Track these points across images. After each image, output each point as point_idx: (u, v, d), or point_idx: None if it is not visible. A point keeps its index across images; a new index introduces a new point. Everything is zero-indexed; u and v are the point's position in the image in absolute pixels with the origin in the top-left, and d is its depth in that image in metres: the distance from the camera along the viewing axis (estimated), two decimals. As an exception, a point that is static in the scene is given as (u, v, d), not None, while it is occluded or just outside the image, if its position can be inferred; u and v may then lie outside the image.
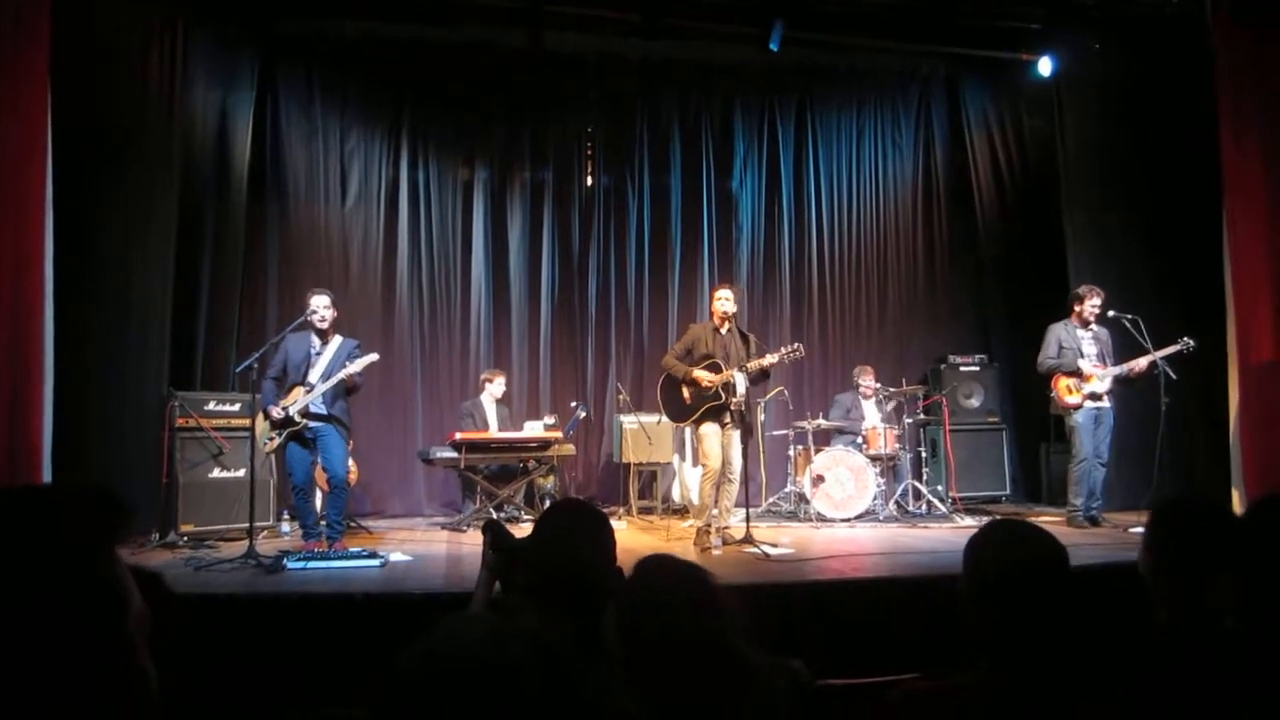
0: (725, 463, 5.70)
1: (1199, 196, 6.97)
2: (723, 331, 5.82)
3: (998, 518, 1.82)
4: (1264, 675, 1.37)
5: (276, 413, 5.56)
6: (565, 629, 1.71)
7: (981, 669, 1.46)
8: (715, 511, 5.76)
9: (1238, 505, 6.41)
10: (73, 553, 0.83)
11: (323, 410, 5.61)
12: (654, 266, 8.85)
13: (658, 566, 1.65)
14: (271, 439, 5.64)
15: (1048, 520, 6.78)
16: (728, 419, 5.72)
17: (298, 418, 5.54)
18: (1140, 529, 5.91)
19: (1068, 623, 1.46)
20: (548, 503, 7.42)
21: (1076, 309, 6.63)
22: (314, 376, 5.66)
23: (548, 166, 8.69)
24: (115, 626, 0.83)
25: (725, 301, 5.82)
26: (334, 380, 5.55)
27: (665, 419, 6.16)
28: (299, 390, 5.63)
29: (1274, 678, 1.39)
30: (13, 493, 0.85)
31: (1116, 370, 6.45)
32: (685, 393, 5.78)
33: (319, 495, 6.18)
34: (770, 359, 5.75)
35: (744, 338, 5.83)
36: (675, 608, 1.53)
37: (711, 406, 5.68)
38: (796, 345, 5.94)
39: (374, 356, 5.73)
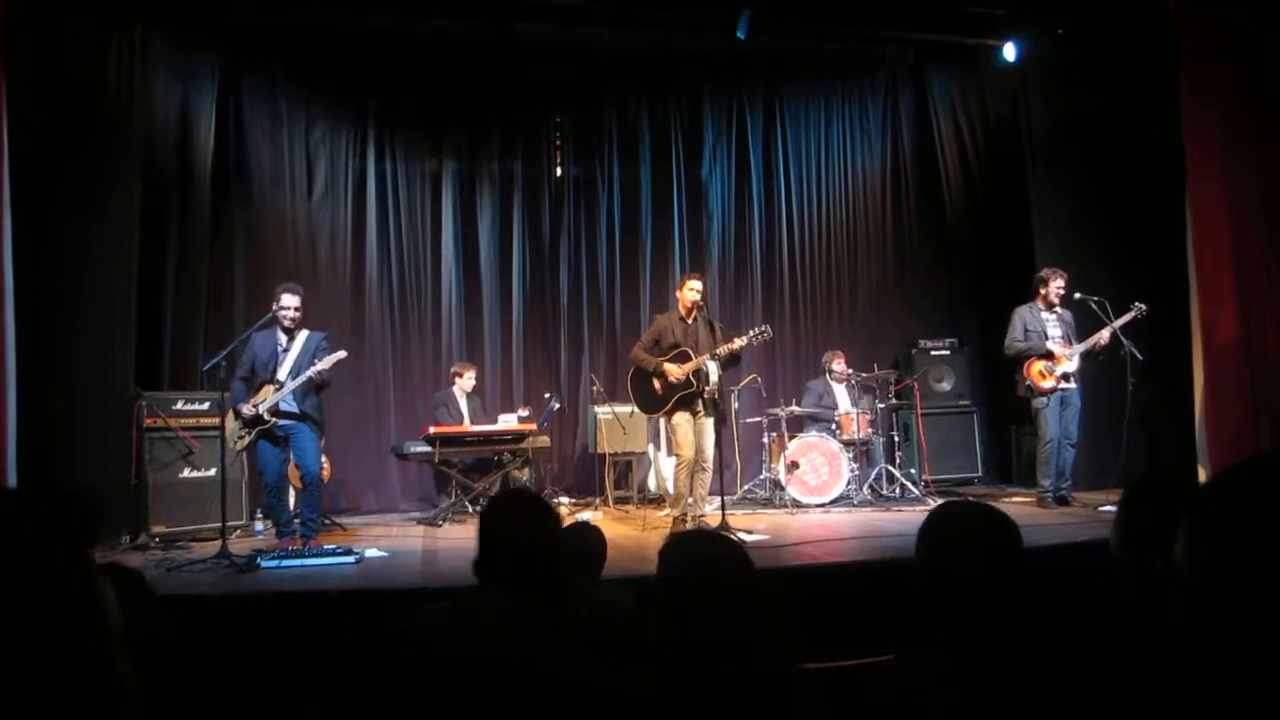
0: (698, 451, 5.72)
1: (1163, 178, 7.08)
2: (689, 321, 5.85)
3: (953, 499, 1.84)
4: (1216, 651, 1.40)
5: (246, 410, 5.49)
6: (519, 603, 1.77)
7: (937, 649, 1.48)
8: (690, 500, 5.79)
9: (1202, 481, 6.54)
10: (52, 558, 0.82)
11: (293, 408, 5.54)
12: (625, 256, 8.84)
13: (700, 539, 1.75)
14: (242, 437, 5.56)
15: (1019, 501, 6.88)
16: (699, 407, 5.74)
17: (267, 416, 5.46)
18: (1109, 508, 6.02)
19: (1022, 600, 1.47)
20: (524, 496, 7.41)
21: (1042, 291, 6.70)
22: (282, 373, 5.58)
23: (517, 158, 8.63)
24: (95, 631, 0.82)
25: (694, 291, 5.83)
26: (302, 378, 5.46)
27: (641, 408, 6.15)
28: (268, 388, 5.56)
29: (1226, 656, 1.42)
30: None
31: (1082, 347, 6.54)
32: (655, 384, 5.80)
33: (291, 493, 6.12)
34: (739, 342, 5.76)
35: (710, 326, 5.84)
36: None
37: (682, 396, 5.70)
38: (764, 327, 5.99)
39: (341, 354, 5.64)
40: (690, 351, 5.74)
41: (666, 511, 6.37)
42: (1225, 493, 0.94)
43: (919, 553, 1.60)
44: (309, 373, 5.46)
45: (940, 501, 1.77)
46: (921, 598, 1.55)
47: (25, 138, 5.48)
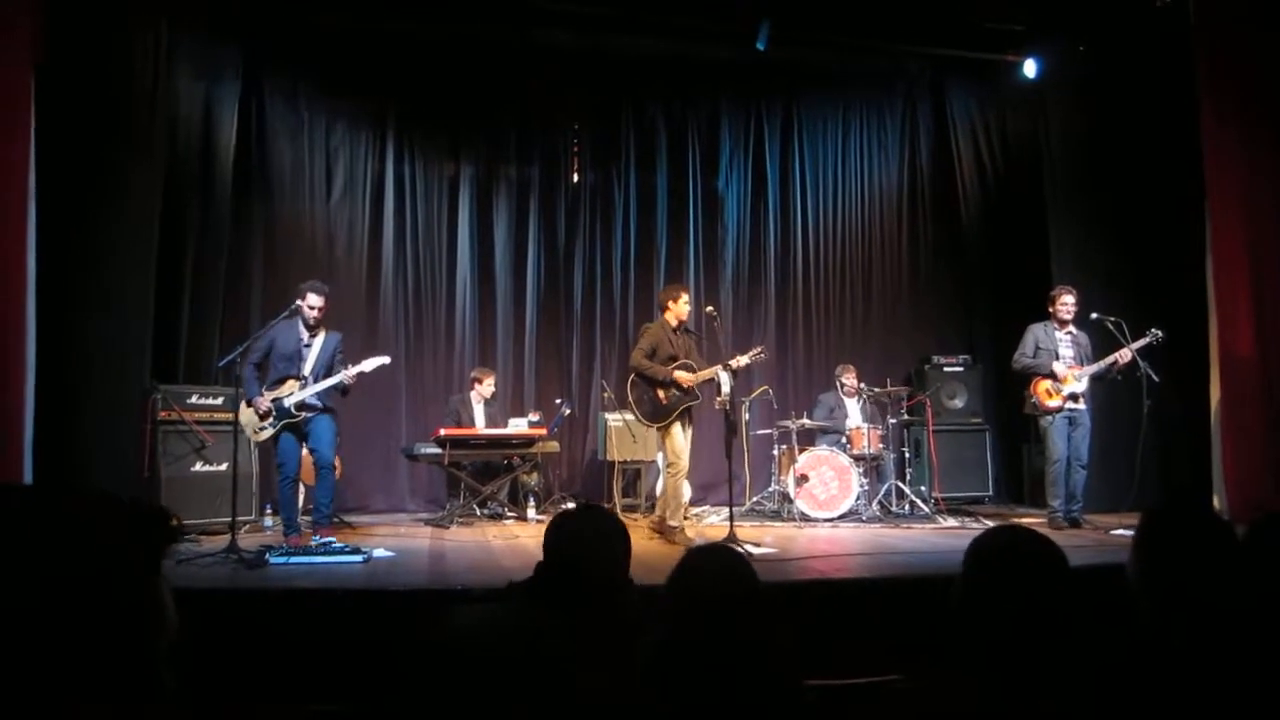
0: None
1: (1182, 196, 7.04)
2: (677, 333, 6.01)
3: (1005, 523, 1.83)
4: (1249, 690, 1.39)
5: (264, 405, 5.56)
6: (561, 622, 1.74)
7: (971, 672, 1.47)
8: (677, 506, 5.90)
9: (1218, 506, 6.48)
10: (129, 565, 0.83)
11: (318, 403, 5.71)
12: (639, 265, 8.85)
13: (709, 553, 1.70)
14: (263, 429, 5.65)
15: (1029, 521, 6.82)
16: (689, 417, 5.97)
17: (294, 410, 5.58)
18: (1122, 531, 5.95)
19: (1063, 629, 1.46)
20: (531, 500, 7.42)
21: (1051, 309, 6.66)
22: (306, 369, 5.70)
23: (533, 163, 8.67)
24: (153, 642, 0.84)
25: (689, 305, 6.10)
26: (335, 380, 5.62)
27: (641, 419, 6.17)
28: (292, 383, 5.64)
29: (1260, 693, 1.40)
30: (78, 497, 0.85)
31: (1093, 369, 6.47)
32: (661, 394, 5.87)
33: (301, 490, 6.18)
34: (743, 360, 5.91)
35: (689, 335, 6.14)
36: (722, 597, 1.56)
37: (686, 407, 5.86)
38: (760, 348, 6.18)
39: (385, 359, 5.90)
40: (693, 364, 5.90)
41: (676, 523, 6.29)
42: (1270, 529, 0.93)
43: (966, 573, 1.59)
44: (343, 377, 5.61)
45: (991, 525, 1.77)
46: (960, 619, 1.54)
47: (51, 132, 5.55)
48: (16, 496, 0.84)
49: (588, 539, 1.87)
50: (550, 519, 2.01)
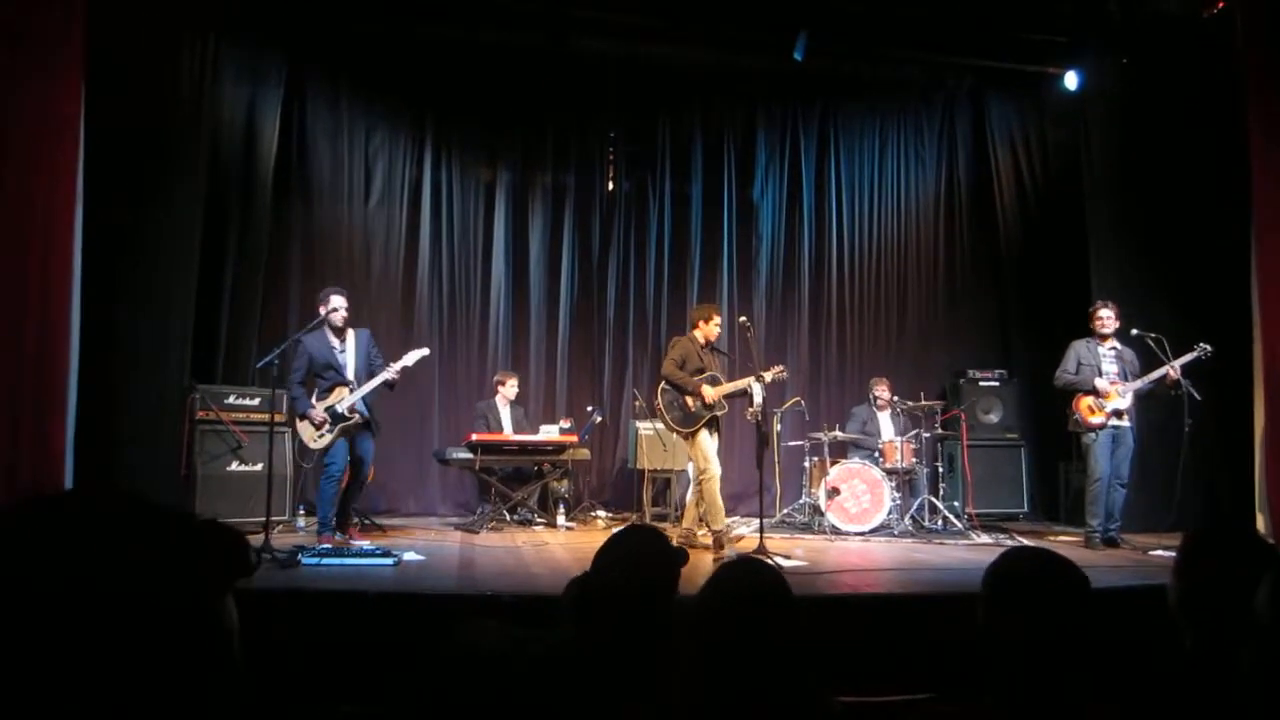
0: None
1: (1226, 211, 6.90)
2: (706, 350, 6.25)
3: (1022, 543, 1.80)
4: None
5: (319, 416, 5.71)
6: (588, 644, 1.72)
7: (1001, 696, 1.44)
8: (702, 515, 5.94)
9: (1261, 528, 6.32)
10: (202, 590, 0.84)
11: (364, 410, 5.88)
12: (673, 273, 8.85)
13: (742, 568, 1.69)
14: (323, 435, 5.82)
15: (1065, 540, 6.72)
16: (716, 426, 6.17)
17: (347, 413, 5.77)
18: (1160, 551, 5.82)
19: (1089, 651, 1.44)
20: (561, 507, 7.43)
21: (1091, 325, 6.56)
22: (349, 374, 5.88)
23: (569, 170, 8.71)
24: (219, 665, 0.85)
25: (719, 327, 6.38)
26: (381, 379, 5.82)
27: (671, 426, 6.23)
28: (341, 389, 5.84)
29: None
30: (161, 515, 0.85)
31: (1137, 385, 6.34)
32: (689, 402, 6.07)
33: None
34: (767, 376, 6.03)
35: (717, 354, 6.41)
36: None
37: (713, 416, 6.07)
38: (781, 367, 6.32)
39: (425, 351, 6.09)
40: (720, 377, 6.14)
41: (705, 531, 6.29)
42: None
43: (985, 596, 1.56)
44: (388, 375, 5.81)
45: (1010, 545, 1.74)
46: (985, 642, 1.51)
47: (99, 136, 5.67)
48: (95, 507, 0.84)
49: (636, 564, 1.84)
50: (609, 536, 1.94)
